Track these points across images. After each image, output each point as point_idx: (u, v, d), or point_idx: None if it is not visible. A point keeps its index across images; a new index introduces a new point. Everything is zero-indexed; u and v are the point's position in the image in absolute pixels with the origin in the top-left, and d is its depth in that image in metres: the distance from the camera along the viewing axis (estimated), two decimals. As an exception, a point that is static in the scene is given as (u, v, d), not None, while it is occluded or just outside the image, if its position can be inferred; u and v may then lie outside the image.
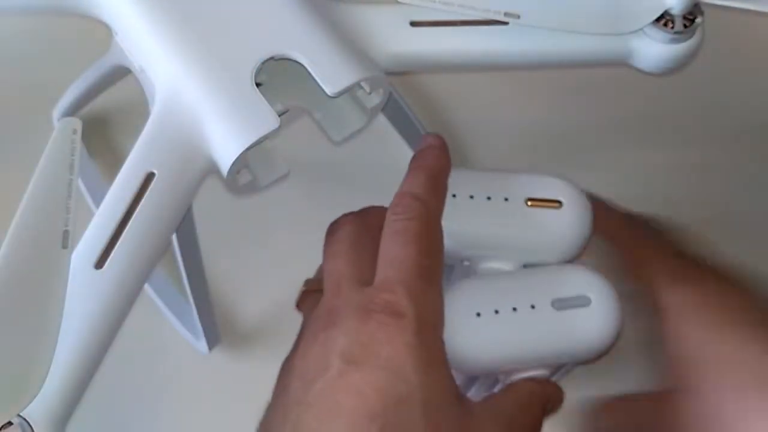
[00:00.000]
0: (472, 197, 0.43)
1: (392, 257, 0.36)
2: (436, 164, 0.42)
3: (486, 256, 0.44)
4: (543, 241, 0.43)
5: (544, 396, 0.39)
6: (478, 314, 0.40)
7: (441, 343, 0.36)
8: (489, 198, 0.43)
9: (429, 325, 0.35)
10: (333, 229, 0.40)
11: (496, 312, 0.40)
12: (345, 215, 0.40)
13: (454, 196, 0.43)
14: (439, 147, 0.42)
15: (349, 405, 0.32)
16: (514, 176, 0.44)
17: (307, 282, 0.41)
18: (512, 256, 0.43)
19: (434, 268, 0.37)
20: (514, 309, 0.40)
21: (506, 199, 0.43)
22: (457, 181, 0.43)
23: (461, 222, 0.43)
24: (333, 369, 0.33)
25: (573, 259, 0.44)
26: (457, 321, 0.40)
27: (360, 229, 0.39)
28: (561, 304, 0.41)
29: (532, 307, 0.40)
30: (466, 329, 0.40)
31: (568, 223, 0.43)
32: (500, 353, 0.41)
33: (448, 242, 0.43)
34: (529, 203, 0.43)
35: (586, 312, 0.41)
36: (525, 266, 0.44)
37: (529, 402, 0.38)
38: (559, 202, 0.43)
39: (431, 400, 0.33)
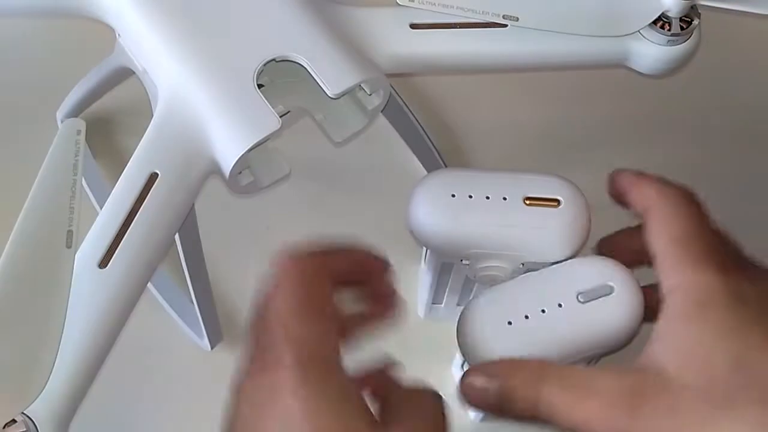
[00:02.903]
0: (470, 197, 0.43)
1: (267, 301, 0.35)
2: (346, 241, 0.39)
3: (485, 255, 0.44)
4: (541, 239, 0.43)
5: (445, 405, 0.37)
6: (510, 323, 0.41)
7: (333, 373, 0.33)
8: (488, 197, 0.43)
9: (314, 362, 0.33)
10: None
11: (527, 317, 0.41)
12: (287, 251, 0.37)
13: (453, 196, 0.43)
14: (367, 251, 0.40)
15: None
16: (512, 175, 0.44)
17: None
18: (511, 255, 0.44)
19: (312, 297, 0.35)
20: (543, 311, 0.41)
21: (504, 199, 0.43)
22: (455, 180, 0.44)
23: (460, 221, 0.43)
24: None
25: (572, 257, 0.44)
26: (490, 333, 0.41)
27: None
28: (586, 297, 0.41)
29: (560, 305, 0.41)
30: (501, 340, 0.40)
31: (566, 221, 0.43)
32: (538, 356, 0.41)
33: (447, 241, 0.43)
34: (527, 202, 0.43)
35: (611, 300, 0.41)
36: (523, 265, 0.44)
37: (436, 414, 0.36)
38: (557, 200, 0.43)
39: None
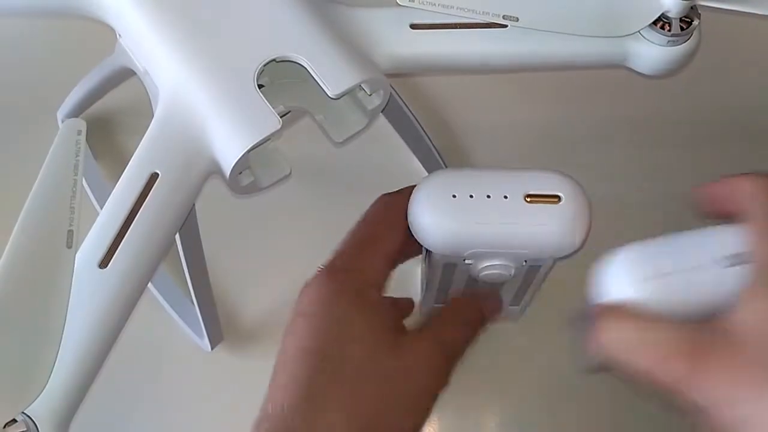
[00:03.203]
0: (471, 197, 0.43)
1: (356, 226, 0.45)
2: None
3: (488, 254, 0.44)
4: (544, 236, 0.43)
5: (478, 311, 0.47)
6: (647, 278, 0.41)
7: (376, 292, 0.43)
8: (488, 196, 0.43)
9: (363, 285, 0.43)
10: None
11: (664, 275, 0.41)
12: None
13: (454, 196, 0.43)
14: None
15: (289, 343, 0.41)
16: (512, 173, 0.44)
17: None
18: (513, 253, 0.44)
19: (382, 236, 0.44)
20: (683, 269, 0.41)
21: (505, 197, 0.43)
22: (456, 180, 0.44)
23: (462, 222, 0.43)
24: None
25: (573, 254, 0.44)
26: (627, 285, 0.41)
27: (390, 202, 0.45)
28: (728, 262, 0.41)
29: (700, 266, 0.41)
30: (636, 292, 0.41)
31: (567, 217, 0.43)
32: (671, 311, 0.41)
33: (450, 242, 0.43)
34: (528, 199, 0.43)
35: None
36: (526, 262, 0.44)
37: (462, 319, 0.46)
38: (557, 197, 0.43)
39: (363, 330, 0.41)
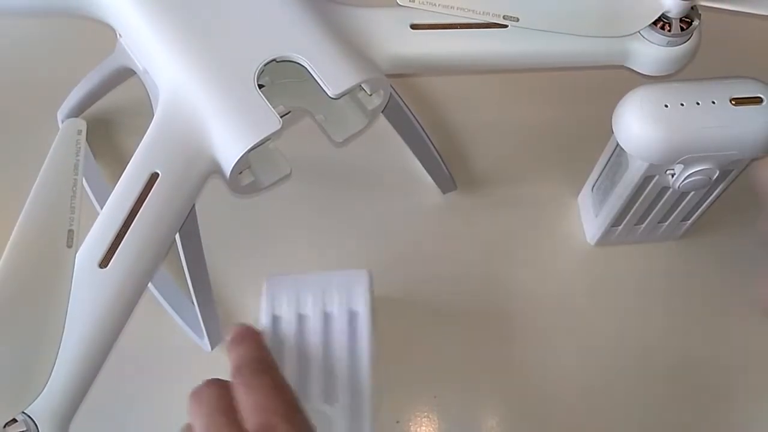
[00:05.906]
0: (682, 105, 0.46)
1: (261, 406, 0.40)
2: (253, 332, 0.44)
3: (699, 158, 0.47)
4: (753, 134, 0.46)
5: None
6: None
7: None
8: (698, 103, 0.46)
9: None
10: (196, 392, 0.41)
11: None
12: (207, 381, 0.41)
13: (666, 106, 0.46)
14: (249, 328, 0.44)
15: None
16: (713, 82, 0.47)
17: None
18: (724, 154, 0.47)
19: (294, 401, 0.40)
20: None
21: (713, 102, 0.46)
22: (662, 93, 0.46)
23: (678, 128, 0.46)
24: None
25: None
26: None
27: (221, 392, 0.41)
28: None
29: None
30: None
31: None
32: None
33: (666, 149, 0.46)
34: (734, 102, 0.46)
35: None
36: (723, 169, 0.48)
37: None
38: (760, 98, 0.47)
39: None
